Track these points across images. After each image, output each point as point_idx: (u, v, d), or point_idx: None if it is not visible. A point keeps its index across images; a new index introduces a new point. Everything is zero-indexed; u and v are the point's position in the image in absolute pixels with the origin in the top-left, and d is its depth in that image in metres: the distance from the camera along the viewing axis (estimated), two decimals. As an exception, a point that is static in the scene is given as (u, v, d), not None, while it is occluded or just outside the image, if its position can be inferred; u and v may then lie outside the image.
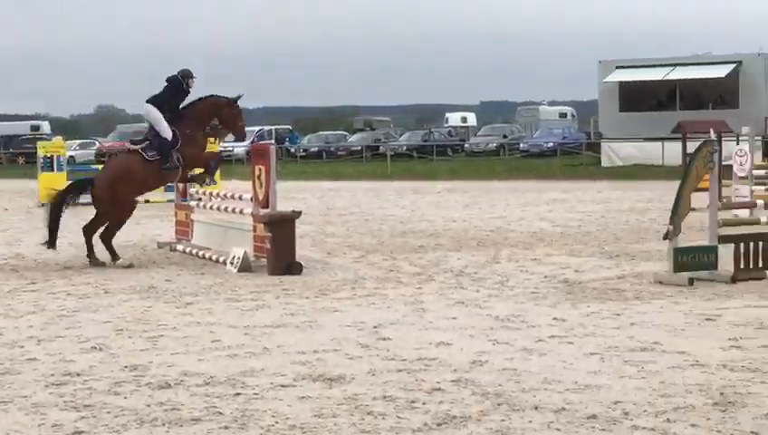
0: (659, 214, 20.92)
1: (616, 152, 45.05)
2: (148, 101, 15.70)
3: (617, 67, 45.92)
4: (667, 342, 9.13)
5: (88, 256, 15.29)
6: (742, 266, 12.72)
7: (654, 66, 45.66)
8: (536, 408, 7.07)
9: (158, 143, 15.49)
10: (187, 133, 15.60)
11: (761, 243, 12.86)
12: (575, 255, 15.61)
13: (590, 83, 47.92)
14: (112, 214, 15.48)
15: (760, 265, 12.78)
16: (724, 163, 19.88)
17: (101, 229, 15.51)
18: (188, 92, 15.98)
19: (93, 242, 15.42)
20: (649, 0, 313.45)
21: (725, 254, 12.78)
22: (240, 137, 17.02)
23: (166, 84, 15.93)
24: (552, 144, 55.34)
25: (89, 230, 15.52)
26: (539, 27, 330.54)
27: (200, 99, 16.04)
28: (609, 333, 9.62)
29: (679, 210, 12.56)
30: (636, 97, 45.75)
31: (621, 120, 45.27)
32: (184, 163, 15.72)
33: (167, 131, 15.44)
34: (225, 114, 15.96)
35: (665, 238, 12.72)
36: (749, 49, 45.23)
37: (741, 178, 19.95)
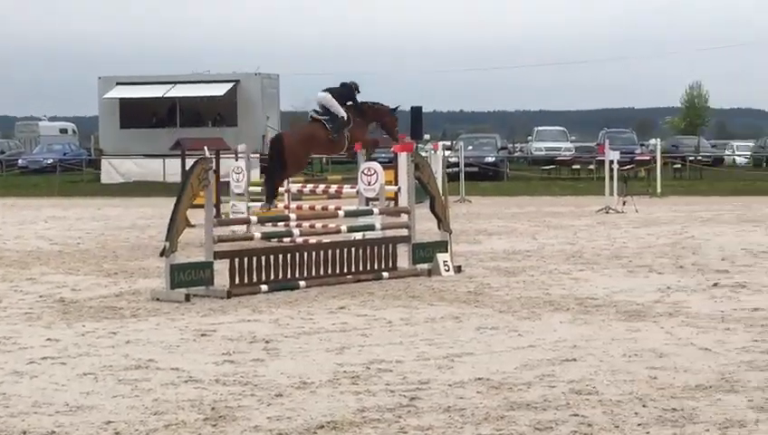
0: (159, 230, 20.92)
1: (117, 169, 44.73)
2: (324, 90, 18.69)
3: (117, 83, 45.58)
4: (162, 359, 9.15)
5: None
6: (237, 281, 13.00)
7: (154, 83, 45.74)
8: (25, 432, 6.85)
9: (334, 120, 18.35)
10: (357, 120, 18.59)
11: (255, 258, 13.21)
12: (73, 273, 15.33)
13: (92, 99, 47.23)
14: (287, 167, 18.37)
15: (254, 279, 13.12)
16: (222, 180, 20.31)
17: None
18: (354, 99, 18.88)
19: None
20: (151, 19, 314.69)
21: (222, 269, 13.03)
22: (394, 138, 19.05)
23: (341, 84, 18.93)
24: (51, 160, 54.15)
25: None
26: (36, 41, 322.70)
27: (373, 103, 19.07)
28: (104, 352, 9.50)
29: (175, 227, 12.65)
30: (136, 114, 45.62)
31: (122, 137, 44.97)
32: (349, 141, 18.58)
33: (341, 112, 18.38)
34: (387, 121, 18.99)
35: (162, 255, 12.77)
36: (246, 69, 46.42)
37: (238, 194, 20.42)
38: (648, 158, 42.07)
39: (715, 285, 13.37)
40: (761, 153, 59.21)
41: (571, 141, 59.94)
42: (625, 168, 32.68)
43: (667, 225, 22.89)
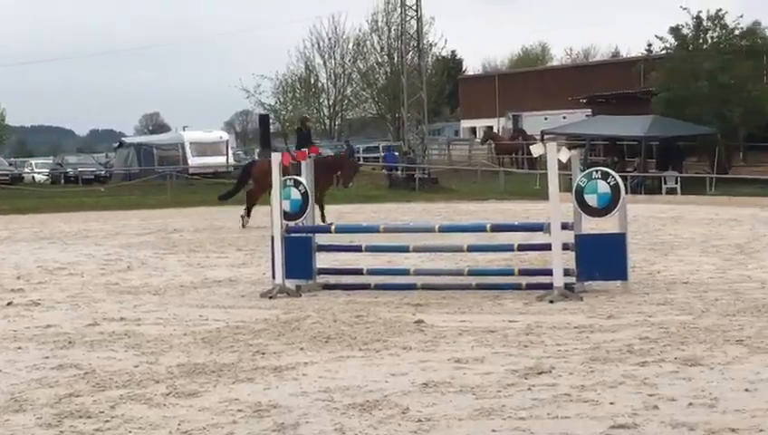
0: None
1: None
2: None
3: None
4: None
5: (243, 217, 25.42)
6: None
7: None
8: None
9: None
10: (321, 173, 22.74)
11: None
12: None
13: None
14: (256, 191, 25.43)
15: None
16: None
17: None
18: (309, 132, 25.90)
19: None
20: None
21: None
22: (345, 184, 26.18)
23: (297, 133, 26.28)
24: None
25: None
26: None
27: (337, 155, 27.51)
28: None
29: None
30: None
31: None
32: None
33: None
34: (346, 168, 25.49)
35: None
36: None
37: None
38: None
39: (10, 304, 13.27)
40: (59, 170, 59.89)
41: None
42: None
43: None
